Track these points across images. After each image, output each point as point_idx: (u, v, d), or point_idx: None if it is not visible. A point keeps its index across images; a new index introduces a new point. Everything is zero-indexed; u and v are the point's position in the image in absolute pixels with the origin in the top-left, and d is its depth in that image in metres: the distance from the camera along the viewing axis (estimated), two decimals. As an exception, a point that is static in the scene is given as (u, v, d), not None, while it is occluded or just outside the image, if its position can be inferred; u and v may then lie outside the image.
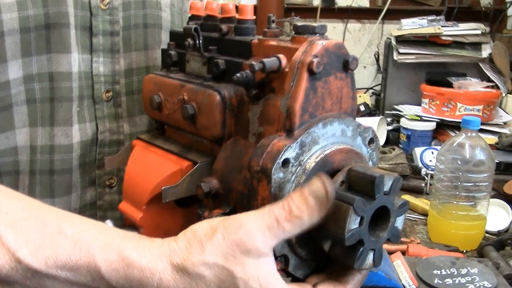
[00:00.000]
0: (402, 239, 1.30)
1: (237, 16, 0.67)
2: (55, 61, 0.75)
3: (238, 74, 0.57)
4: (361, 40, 3.05)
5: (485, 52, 2.31)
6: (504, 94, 2.21)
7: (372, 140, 0.62)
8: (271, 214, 0.50)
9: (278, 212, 0.50)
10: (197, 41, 0.66)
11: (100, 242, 0.53)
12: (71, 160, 0.79)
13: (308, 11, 2.95)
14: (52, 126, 0.77)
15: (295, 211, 0.50)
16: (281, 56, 0.56)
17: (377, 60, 2.89)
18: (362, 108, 2.51)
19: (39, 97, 0.76)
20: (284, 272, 0.58)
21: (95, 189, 0.84)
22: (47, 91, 0.76)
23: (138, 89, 0.85)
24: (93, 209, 0.85)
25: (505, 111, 2.18)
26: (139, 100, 0.85)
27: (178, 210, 0.69)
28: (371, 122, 2.05)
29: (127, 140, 0.85)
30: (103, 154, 0.83)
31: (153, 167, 0.69)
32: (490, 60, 2.32)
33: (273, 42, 0.60)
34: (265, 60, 0.56)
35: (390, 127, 2.24)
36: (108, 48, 0.81)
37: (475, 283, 1.00)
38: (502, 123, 2.10)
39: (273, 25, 0.62)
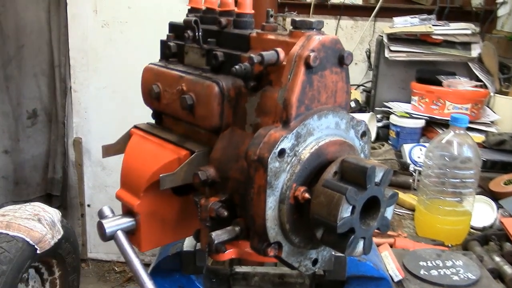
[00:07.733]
0: (390, 232, 1.32)
1: (235, 9, 0.68)
2: None
3: (237, 66, 0.59)
4: (353, 37, 3.07)
5: (475, 51, 2.34)
6: (492, 94, 2.25)
7: (364, 133, 0.64)
8: None
9: None
10: (197, 33, 0.68)
11: None
12: None
13: (301, 7, 2.96)
14: None
15: None
16: (279, 49, 0.58)
17: (369, 57, 2.91)
18: (352, 104, 2.53)
19: None
20: (278, 258, 0.60)
21: None
22: None
23: None
24: None
25: (492, 110, 2.21)
26: None
27: (174, 198, 0.71)
28: (361, 118, 2.07)
29: None
30: None
31: (151, 155, 0.70)
32: (479, 59, 2.35)
33: (271, 36, 0.62)
34: (264, 53, 0.57)
35: (380, 124, 2.27)
36: None
37: (459, 275, 1.03)
38: (489, 122, 2.14)
39: (271, 19, 0.64)
